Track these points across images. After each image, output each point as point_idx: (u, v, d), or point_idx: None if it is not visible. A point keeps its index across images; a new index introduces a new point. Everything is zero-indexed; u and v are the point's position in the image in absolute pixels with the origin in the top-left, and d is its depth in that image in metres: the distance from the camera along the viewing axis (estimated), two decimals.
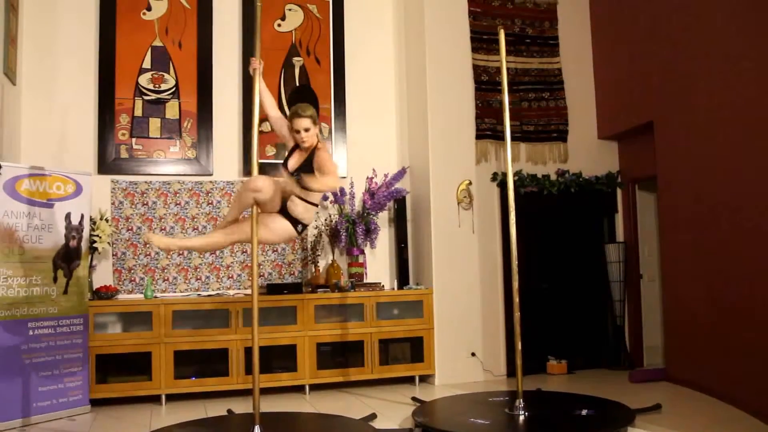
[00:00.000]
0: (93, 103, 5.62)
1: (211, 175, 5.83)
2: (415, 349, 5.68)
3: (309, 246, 5.89)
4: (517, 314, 4.38)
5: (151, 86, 5.74)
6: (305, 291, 5.53)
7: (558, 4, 6.49)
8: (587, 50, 6.57)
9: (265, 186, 3.78)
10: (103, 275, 5.43)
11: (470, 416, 4.27)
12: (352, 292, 5.58)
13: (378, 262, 6.17)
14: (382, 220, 6.13)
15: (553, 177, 6.28)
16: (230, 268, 5.76)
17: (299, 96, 5.94)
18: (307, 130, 3.83)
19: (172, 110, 5.78)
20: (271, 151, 6.00)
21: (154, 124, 5.73)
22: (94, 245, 5.14)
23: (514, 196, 4.50)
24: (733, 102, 4.67)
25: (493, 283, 5.98)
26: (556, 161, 6.33)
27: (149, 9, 5.80)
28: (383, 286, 5.83)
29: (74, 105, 5.57)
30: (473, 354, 5.81)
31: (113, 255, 5.49)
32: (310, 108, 3.87)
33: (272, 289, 5.39)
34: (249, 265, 5.76)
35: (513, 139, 5.42)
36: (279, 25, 6.14)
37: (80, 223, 4.85)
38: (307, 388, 5.38)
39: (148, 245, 5.54)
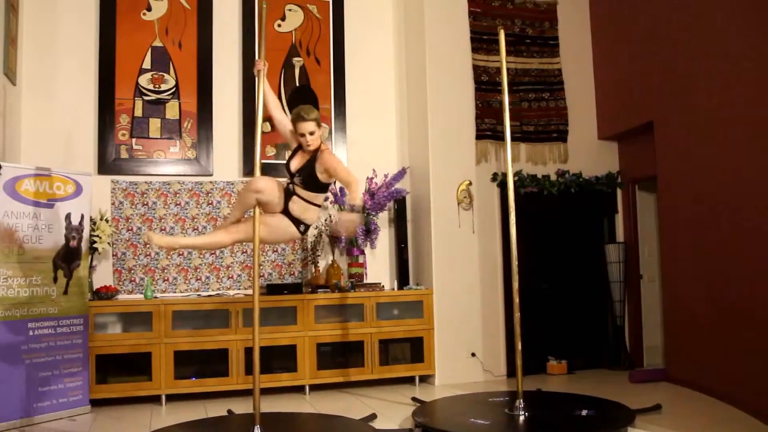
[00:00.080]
0: (93, 103, 5.62)
1: (211, 175, 5.83)
2: (415, 349, 5.68)
3: (309, 246, 5.89)
4: (517, 314, 4.38)
5: (151, 86, 5.74)
6: (305, 291, 5.53)
7: (558, 4, 6.49)
8: (587, 50, 6.57)
9: (266, 187, 3.80)
10: (103, 275, 5.43)
11: (470, 416, 4.27)
12: (352, 292, 5.58)
13: (378, 263, 6.17)
14: (382, 220, 6.13)
15: (553, 177, 6.28)
16: (230, 269, 5.76)
17: (299, 96, 5.95)
18: (311, 133, 3.83)
19: (172, 110, 5.78)
20: (271, 151, 6.00)
21: (154, 124, 5.74)
22: (94, 245, 5.14)
23: (514, 197, 4.50)
24: (733, 102, 4.67)
25: (493, 283, 5.98)
26: (556, 161, 6.33)
27: (149, 9, 5.80)
28: (383, 286, 5.83)
29: (74, 105, 5.57)
30: (473, 354, 5.81)
31: (113, 255, 5.49)
32: (314, 111, 3.87)
33: (272, 289, 5.39)
34: (249, 265, 5.76)
35: (513, 139, 5.42)
36: (279, 26, 6.15)
37: (80, 223, 4.85)
38: (307, 388, 5.38)
39: (148, 245, 5.54)
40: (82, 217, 4.86)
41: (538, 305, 6.07)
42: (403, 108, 6.40)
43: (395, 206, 6.08)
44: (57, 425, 4.44)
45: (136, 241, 5.54)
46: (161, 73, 5.78)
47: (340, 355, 5.51)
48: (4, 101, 4.85)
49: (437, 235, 5.81)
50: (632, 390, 5.23)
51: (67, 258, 4.76)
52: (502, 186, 6.01)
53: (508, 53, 5.85)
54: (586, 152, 6.41)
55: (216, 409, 4.78)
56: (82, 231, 4.86)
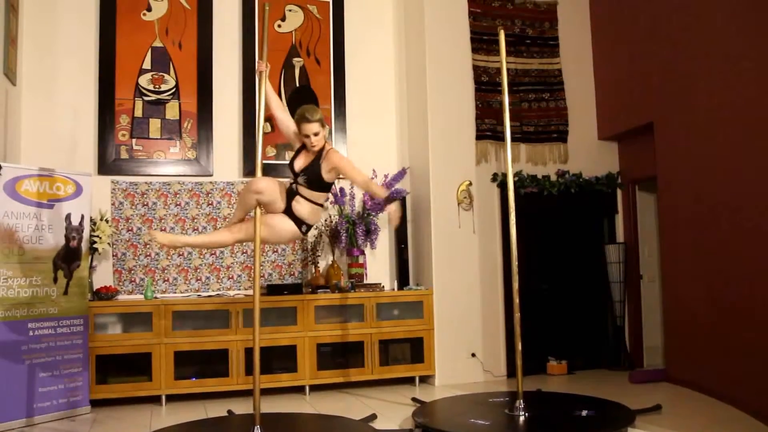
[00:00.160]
0: (93, 103, 5.62)
1: (211, 175, 5.83)
2: (415, 349, 5.68)
3: (309, 246, 5.89)
4: (517, 315, 4.38)
5: (151, 87, 5.74)
6: (305, 292, 5.53)
7: (558, 4, 6.49)
8: (587, 50, 6.57)
9: (267, 188, 3.80)
10: (104, 276, 5.43)
11: (470, 417, 4.27)
12: (353, 292, 5.58)
13: (378, 263, 6.17)
14: (383, 220, 6.12)
15: (553, 178, 6.28)
16: (230, 269, 5.76)
17: (299, 97, 5.95)
18: (316, 134, 3.85)
19: (172, 111, 5.78)
20: (271, 151, 6.00)
21: (154, 124, 5.74)
22: (95, 246, 5.14)
23: (514, 197, 4.50)
24: (733, 102, 4.67)
25: (493, 283, 5.98)
26: (556, 162, 6.33)
27: (149, 9, 5.80)
28: (383, 286, 5.83)
29: (74, 105, 5.57)
30: (473, 355, 5.81)
31: (113, 256, 5.49)
32: (318, 112, 3.88)
33: (272, 289, 5.39)
34: (249, 265, 5.76)
35: (513, 139, 5.42)
36: (279, 26, 6.15)
37: (80, 223, 4.85)
38: (308, 388, 5.38)
39: (148, 246, 5.54)
40: (82, 217, 4.86)
41: (538, 305, 6.07)
42: (403, 108, 6.40)
43: None
44: (57, 425, 4.44)
45: (136, 241, 5.54)
46: (161, 74, 5.78)
47: (340, 355, 5.51)
48: (4, 101, 4.85)
49: (437, 235, 5.81)
50: (632, 390, 5.23)
51: (68, 258, 4.76)
52: (502, 186, 6.01)
53: (508, 53, 5.86)
54: (586, 152, 6.42)
55: (216, 410, 4.78)
56: (82, 231, 4.86)
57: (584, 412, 4.23)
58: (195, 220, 5.72)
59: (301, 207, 3.89)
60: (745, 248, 4.53)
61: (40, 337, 4.55)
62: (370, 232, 5.92)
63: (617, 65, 6.22)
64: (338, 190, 5.90)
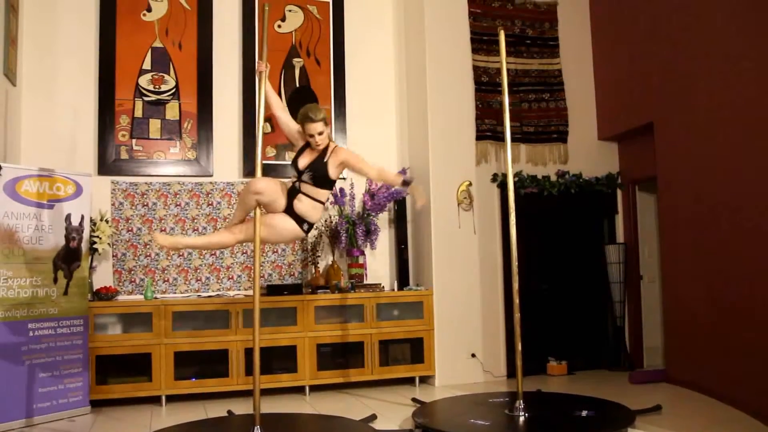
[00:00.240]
0: (93, 104, 5.62)
1: (211, 176, 5.83)
2: (415, 350, 5.67)
3: (309, 247, 5.89)
4: (517, 315, 4.38)
5: (151, 87, 5.74)
6: (305, 292, 5.53)
7: (558, 4, 6.49)
8: (587, 51, 6.57)
9: (266, 188, 3.81)
10: (104, 276, 5.43)
11: (470, 417, 4.26)
12: (352, 293, 5.58)
13: (378, 263, 6.17)
14: (382, 221, 6.13)
15: (554, 178, 6.28)
16: (230, 269, 5.76)
17: (299, 97, 5.95)
18: (320, 133, 3.87)
19: (172, 111, 5.79)
20: (271, 152, 6.00)
21: (154, 125, 5.74)
22: (95, 246, 5.14)
23: (515, 197, 4.50)
24: (733, 102, 4.67)
25: (493, 284, 5.98)
26: (556, 162, 6.33)
27: (149, 10, 5.80)
28: (383, 287, 5.83)
29: (74, 106, 5.57)
30: (473, 355, 5.81)
31: (113, 256, 5.49)
32: (321, 111, 3.91)
33: (272, 290, 5.39)
34: (249, 266, 5.76)
35: (513, 140, 5.43)
36: (279, 27, 6.15)
37: (80, 224, 4.85)
38: (307, 389, 5.37)
39: (148, 246, 5.54)
40: (82, 217, 4.86)
41: (538, 306, 6.07)
42: (403, 108, 6.40)
43: (395, 207, 6.08)
44: (57, 426, 4.43)
45: (136, 241, 5.54)
46: (161, 74, 5.78)
47: (340, 355, 5.51)
48: (4, 102, 4.85)
49: (437, 235, 5.81)
50: (632, 391, 5.23)
51: (68, 259, 4.76)
52: (502, 187, 6.01)
53: (508, 54, 5.86)
54: (586, 153, 6.42)
55: (216, 410, 4.78)
56: (82, 232, 4.86)
57: (584, 413, 4.23)
58: (195, 221, 5.72)
59: (302, 205, 3.89)
60: (745, 248, 4.53)
61: (40, 338, 4.55)
62: (370, 233, 5.92)
63: (617, 65, 6.22)
64: (338, 190, 5.89)
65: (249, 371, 5.05)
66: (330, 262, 5.94)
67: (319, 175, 3.89)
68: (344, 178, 5.97)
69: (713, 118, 4.91)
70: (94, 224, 5.16)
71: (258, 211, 3.85)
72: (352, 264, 5.90)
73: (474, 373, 5.78)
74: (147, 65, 5.75)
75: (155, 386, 5.01)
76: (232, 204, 5.76)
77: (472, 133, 6.03)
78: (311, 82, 6.17)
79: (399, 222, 6.05)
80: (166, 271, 5.61)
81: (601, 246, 6.38)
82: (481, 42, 6.15)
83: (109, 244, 5.29)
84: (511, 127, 4.69)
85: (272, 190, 3.85)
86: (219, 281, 5.73)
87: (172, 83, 5.80)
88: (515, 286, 4.42)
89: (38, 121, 5.44)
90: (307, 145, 3.98)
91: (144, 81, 5.72)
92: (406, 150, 6.35)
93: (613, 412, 4.27)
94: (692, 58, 5.17)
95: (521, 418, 4.20)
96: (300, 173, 3.93)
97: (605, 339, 6.35)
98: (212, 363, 5.17)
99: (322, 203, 3.98)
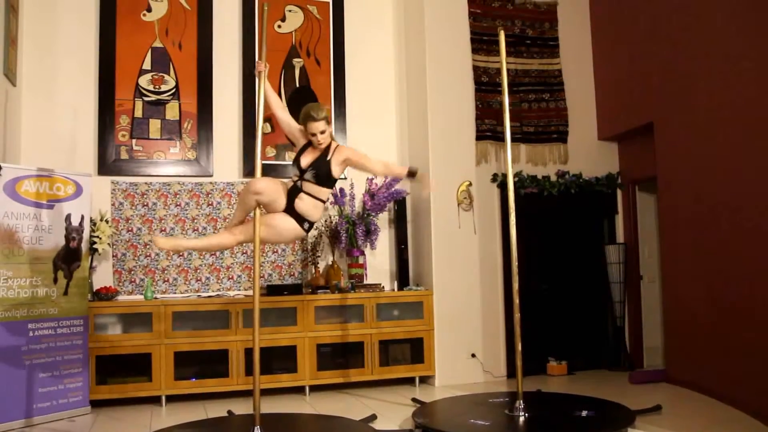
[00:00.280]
0: (93, 104, 5.62)
1: (211, 176, 5.83)
2: (415, 350, 5.67)
3: (309, 247, 5.89)
4: (517, 315, 4.38)
5: (151, 87, 5.74)
6: (305, 292, 5.53)
7: (558, 4, 6.49)
8: (587, 51, 6.57)
9: (266, 188, 3.80)
10: (104, 276, 5.43)
11: (470, 417, 4.26)
12: (352, 293, 5.58)
13: (378, 263, 6.17)
14: (382, 221, 6.13)
15: (553, 178, 6.28)
16: (230, 269, 5.76)
17: (299, 97, 5.95)
18: (322, 132, 3.87)
19: (172, 111, 5.79)
20: (271, 152, 6.00)
21: (154, 125, 5.74)
22: (95, 246, 5.14)
23: (514, 197, 4.50)
24: (733, 102, 4.67)
25: (493, 284, 5.98)
26: (556, 162, 6.33)
27: (149, 10, 5.80)
28: (383, 287, 5.83)
29: (74, 106, 5.57)
30: (473, 355, 5.81)
31: (113, 256, 5.49)
32: (323, 110, 3.90)
33: (272, 290, 5.39)
34: (249, 266, 5.76)
35: (513, 140, 5.43)
36: (279, 27, 6.15)
37: (80, 224, 4.85)
38: (307, 389, 5.37)
39: (148, 246, 5.54)
40: (82, 217, 4.86)
41: (538, 306, 6.07)
42: (403, 108, 6.40)
43: (395, 207, 6.08)
44: (57, 426, 4.44)
45: (136, 242, 5.54)
46: (161, 74, 5.78)
47: (340, 355, 5.51)
48: (4, 102, 4.85)
49: (437, 235, 5.81)
50: (632, 391, 5.23)
51: (68, 259, 4.76)
52: (502, 187, 6.01)
53: (508, 54, 5.86)
54: (586, 153, 6.42)
55: (216, 410, 4.78)
56: (82, 232, 4.86)
57: (584, 413, 4.23)
58: (195, 221, 5.72)
59: (304, 204, 3.89)
60: (745, 248, 4.53)
61: (40, 338, 4.55)
62: (370, 233, 5.92)
63: (617, 65, 6.22)
64: (338, 190, 5.89)
65: (249, 371, 5.05)
66: (330, 262, 5.94)
67: (322, 174, 3.90)
68: (344, 178, 5.97)
69: (713, 118, 4.91)
70: (94, 224, 5.16)
71: (258, 211, 3.85)
72: (352, 264, 5.90)
73: (474, 373, 5.78)
74: (147, 65, 5.75)
75: (155, 386, 5.01)
76: (232, 204, 5.76)
77: (472, 133, 6.03)
78: (311, 82, 6.17)
79: (399, 222, 6.05)
80: (166, 271, 5.61)
81: (601, 246, 6.38)
82: (481, 42, 6.16)
83: (109, 244, 5.29)
84: (511, 127, 4.69)
85: (272, 190, 3.85)
86: (219, 281, 5.73)
87: (172, 83, 5.80)
88: (515, 286, 4.42)
89: (38, 121, 5.44)
90: (309, 144, 3.98)
91: (144, 81, 5.73)
92: (406, 150, 6.35)
93: (613, 412, 4.27)
94: (692, 58, 5.17)
95: (521, 418, 4.20)
96: (302, 172, 3.93)
97: (605, 339, 6.35)
98: (212, 363, 5.17)
99: (324, 202, 3.99)
